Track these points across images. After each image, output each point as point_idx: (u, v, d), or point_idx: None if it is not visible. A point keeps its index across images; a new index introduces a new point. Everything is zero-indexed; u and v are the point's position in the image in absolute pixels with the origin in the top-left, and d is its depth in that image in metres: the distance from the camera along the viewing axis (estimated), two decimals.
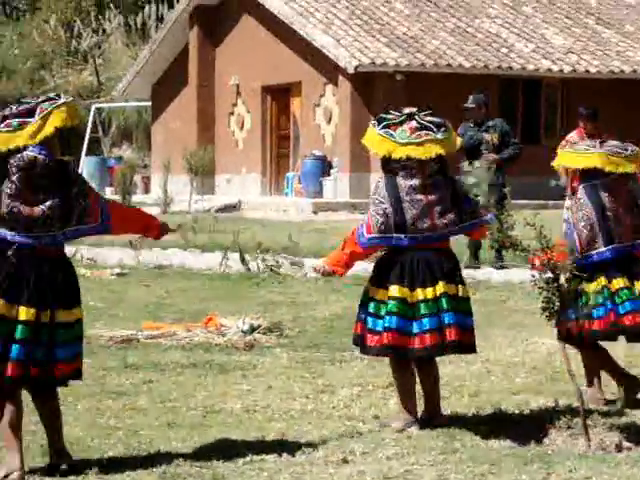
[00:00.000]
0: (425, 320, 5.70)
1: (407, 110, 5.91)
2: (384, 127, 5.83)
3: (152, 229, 5.44)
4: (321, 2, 23.19)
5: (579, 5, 24.78)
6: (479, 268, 12.07)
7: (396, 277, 5.75)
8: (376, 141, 5.84)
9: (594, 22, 24.14)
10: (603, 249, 6.20)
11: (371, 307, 5.81)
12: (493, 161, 12.26)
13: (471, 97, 12.72)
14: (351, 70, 21.17)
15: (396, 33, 22.53)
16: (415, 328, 5.71)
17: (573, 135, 12.27)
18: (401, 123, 5.82)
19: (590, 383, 6.51)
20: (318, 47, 21.95)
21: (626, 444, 5.47)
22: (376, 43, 21.99)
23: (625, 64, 22.43)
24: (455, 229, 5.85)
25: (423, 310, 5.72)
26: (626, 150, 6.25)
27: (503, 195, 11.78)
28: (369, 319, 5.81)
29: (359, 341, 5.91)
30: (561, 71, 22.06)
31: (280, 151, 24.61)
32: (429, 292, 5.73)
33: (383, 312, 5.75)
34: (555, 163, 6.45)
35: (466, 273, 11.27)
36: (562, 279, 5.65)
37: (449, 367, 7.21)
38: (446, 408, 6.29)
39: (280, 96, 24.38)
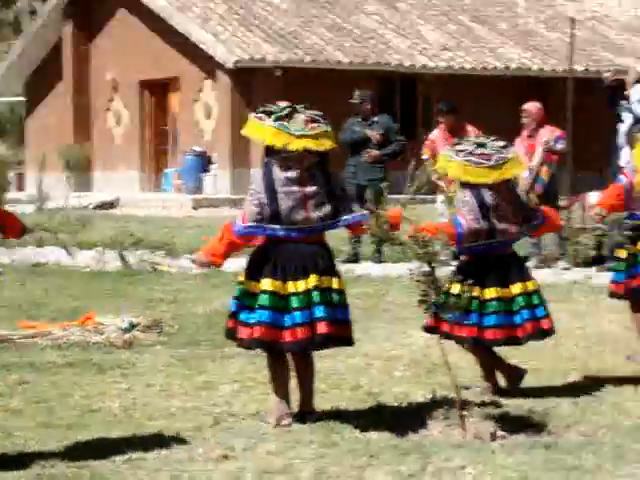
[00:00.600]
0: (296, 314, 5.71)
1: (284, 104, 5.91)
2: (276, 119, 5.79)
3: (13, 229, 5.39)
4: None
5: (454, 2, 25.18)
6: (382, 262, 12.16)
7: (269, 270, 5.75)
8: (270, 133, 5.78)
9: (468, 19, 24.57)
10: (486, 243, 6.35)
11: (243, 300, 5.80)
12: (374, 156, 12.37)
13: (357, 92, 12.82)
14: (230, 65, 21.11)
15: (274, 28, 22.54)
16: (287, 322, 5.72)
17: (435, 133, 12.48)
18: (288, 115, 5.82)
19: (486, 378, 6.63)
20: (196, 42, 21.82)
21: (500, 433, 5.59)
22: (254, 38, 21.97)
23: (498, 60, 22.88)
24: (329, 223, 5.87)
25: (294, 303, 5.72)
26: (489, 160, 6.39)
27: (380, 190, 11.86)
28: (241, 312, 5.80)
29: (231, 334, 5.90)
30: (436, 67, 22.38)
31: (159, 147, 24.38)
32: (300, 285, 5.73)
33: (255, 305, 5.75)
34: (439, 168, 6.62)
35: (346, 268, 11.46)
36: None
37: (328, 361, 7.25)
38: (326, 402, 6.33)
39: (158, 91, 24.15)
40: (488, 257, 6.43)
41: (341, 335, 5.82)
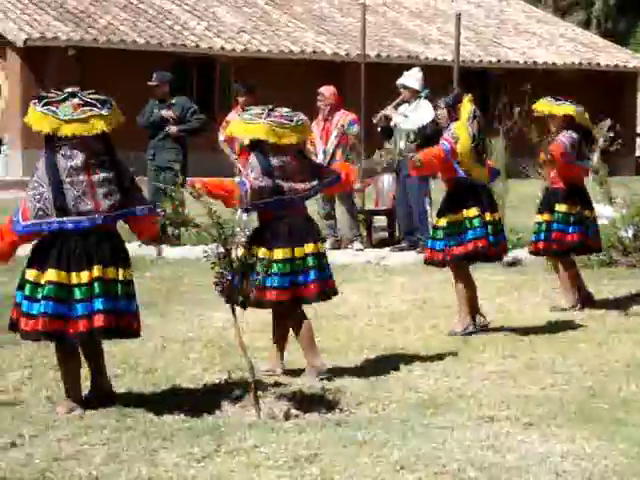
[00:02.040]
0: (78, 305, 5.61)
1: (69, 89, 5.78)
2: (45, 104, 5.66)
3: None
4: None
5: None
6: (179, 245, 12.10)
7: (54, 260, 5.62)
8: (37, 118, 5.66)
9: (264, 2, 24.67)
10: (272, 200, 6.39)
11: (27, 290, 5.65)
12: (173, 133, 12.28)
13: (155, 74, 12.69)
14: (20, 44, 20.50)
15: (66, 7, 22.01)
16: (70, 313, 5.60)
17: (232, 114, 12.51)
18: (63, 100, 5.68)
19: (276, 345, 6.68)
20: None
21: (294, 412, 5.67)
22: (46, 16, 21.39)
23: (294, 45, 23.09)
24: (118, 213, 5.71)
25: (77, 295, 5.62)
26: (291, 121, 6.48)
27: (176, 172, 11.84)
28: (24, 302, 5.65)
29: (14, 326, 5.74)
30: (233, 50, 22.39)
31: None
32: (84, 276, 5.63)
33: (39, 296, 5.61)
34: (227, 132, 6.65)
35: (144, 252, 11.33)
36: (234, 253, 5.76)
37: (124, 344, 7.16)
38: (121, 386, 6.26)
39: None
40: (278, 217, 6.46)
41: (124, 327, 5.73)
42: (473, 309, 7.94)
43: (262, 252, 6.36)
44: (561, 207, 8.72)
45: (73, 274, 5.62)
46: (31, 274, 5.67)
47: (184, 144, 12.49)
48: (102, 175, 5.68)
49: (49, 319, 5.58)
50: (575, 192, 8.78)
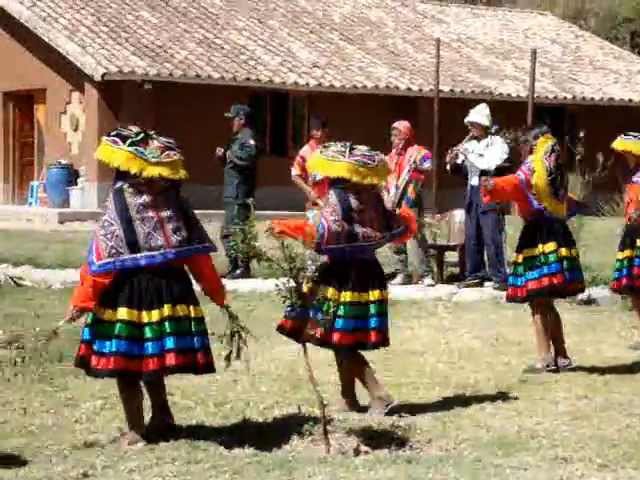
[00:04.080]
0: (149, 344, 5.63)
1: (136, 129, 5.82)
2: (131, 144, 5.71)
3: None
4: (65, 8, 22.70)
5: (323, 21, 25.42)
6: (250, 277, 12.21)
7: (124, 299, 5.65)
8: (125, 158, 5.70)
9: (338, 38, 24.82)
10: (347, 245, 6.38)
11: (97, 328, 5.67)
12: (219, 157, 12.44)
13: (232, 107, 12.88)
14: (98, 78, 20.84)
15: (143, 42, 22.36)
16: (141, 351, 5.62)
17: (306, 149, 12.57)
18: (142, 141, 5.74)
19: (343, 388, 6.65)
20: (63, 54, 21.48)
21: (364, 448, 5.63)
22: (123, 51, 21.74)
23: (367, 79, 23.17)
24: (185, 249, 5.73)
25: (148, 334, 5.64)
26: (373, 161, 6.48)
27: (246, 205, 11.94)
28: (95, 340, 5.67)
29: (83, 363, 5.76)
30: (307, 85, 22.53)
31: (24, 159, 23.88)
32: (154, 315, 5.65)
33: (110, 334, 5.63)
34: (308, 168, 6.67)
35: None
36: (305, 287, 5.77)
37: (195, 377, 7.18)
38: (191, 418, 6.29)
39: (23, 103, 23.67)
40: (348, 261, 6.46)
41: (197, 363, 5.74)
42: (556, 345, 7.82)
43: (330, 293, 6.34)
44: None
45: (144, 312, 5.65)
46: (102, 312, 5.69)
47: (249, 176, 12.56)
48: (169, 212, 5.73)
49: (121, 357, 5.61)
50: None
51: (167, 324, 5.64)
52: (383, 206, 6.68)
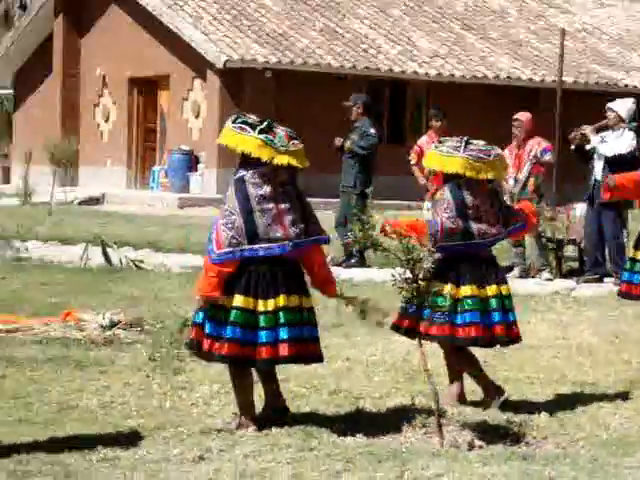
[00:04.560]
0: (263, 333, 5.66)
1: (256, 117, 5.85)
2: (261, 132, 5.71)
3: None
4: None
5: (445, 10, 25.22)
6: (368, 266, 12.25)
7: (241, 286, 5.68)
8: (256, 145, 5.70)
9: (459, 27, 24.60)
10: (461, 242, 6.34)
11: (212, 312, 5.71)
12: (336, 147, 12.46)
13: (352, 96, 12.92)
14: (220, 65, 21.09)
15: (265, 30, 22.53)
16: (255, 339, 5.66)
17: (424, 139, 12.50)
18: (269, 128, 5.75)
19: (452, 381, 6.61)
20: (187, 41, 21.79)
21: (478, 442, 5.58)
22: (245, 39, 21.95)
23: (488, 70, 22.92)
24: (303, 241, 5.75)
25: (262, 322, 5.67)
26: (489, 156, 6.40)
27: (364, 194, 12.01)
28: (208, 324, 5.71)
29: (195, 345, 5.81)
30: (427, 74, 22.40)
31: (147, 144, 24.34)
32: (270, 304, 5.68)
33: (225, 320, 5.68)
34: (424, 164, 6.62)
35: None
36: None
37: (310, 365, 7.23)
38: (305, 405, 6.32)
39: (147, 89, 24.11)
40: (464, 257, 6.39)
41: (308, 353, 5.78)
42: None
43: (447, 289, 6.28)
44: None
45: (260, 301, 5.69)
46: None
47: (367, 166, 12.54)
48: (288, 204, 5.75)
49: (235, 344, 5.65)
50: None
51: (281, 314, 5.68)
52: (500, 201, 6.59)
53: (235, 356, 5.69)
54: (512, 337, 6.50)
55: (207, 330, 5.72)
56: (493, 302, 6.38)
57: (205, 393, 6.62)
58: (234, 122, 5.81)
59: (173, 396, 6.54)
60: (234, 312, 5.67)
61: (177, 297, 10.33)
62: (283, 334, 5.67)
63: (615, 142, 11.26)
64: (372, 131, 12.55)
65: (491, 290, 6.38)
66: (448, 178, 6.44)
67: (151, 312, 9.37)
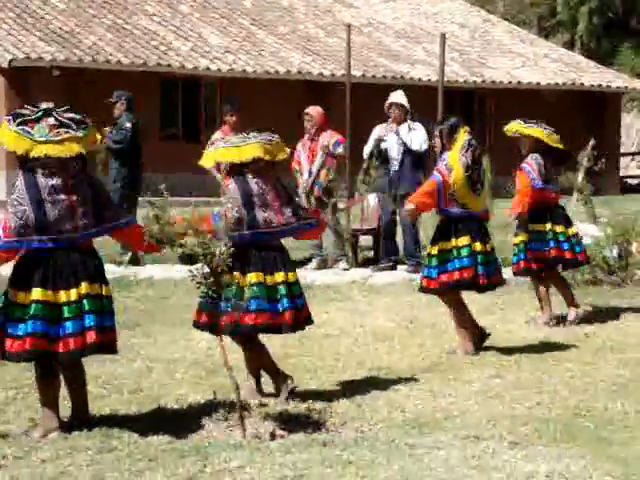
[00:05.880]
0: (68, 323, 5.57)
1: (44, 105, 5.74)
2: (20, 124, 5.60)
3: None
4: None
5: (234, 6, 25.30)
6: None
7: (38, 279, 5.57)
8: (12, 138, 5.59)
9: (249, 23, 24.72)
10: (246, 232, 6.37)
11: (10, 311, 5.58)
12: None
13: (115, 92, 12.79)
14: (5, 65, 20.48)
15: (51, 28, 22.01)
16: (59, 332, 5.57)
17: (217, 135, 12.50)
18: (38, 120, 5.64)
19: (252, 374, 6.64)
20: None
21: (279, 432, 5.65)
22: (31, 37, 21.38)
23: (280, 65, 23.13)
24: (94, 231, 5.71)
25: (67, 313, 5.58)
26: (272, 139, 6.50)
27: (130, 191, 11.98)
28: (8, 324, 5.57)
29: None
30: (219, 70, 22.41)
31: None
32: (73, 294, 5.60)
33: (25, 316, 5.56)
34: (220, 159, 6.61)
35: (128, 271, 11.30)
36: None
37: (110, 365, 7.14)
38: (105, 406, 6.23)
39: None
40: (252, 245, 6.41)
41: (109, 342, 5.72)
42: (474, 331, 7.94)
43: (235, 276, 6.27)
44: (534, 227, 8.92)
45: (61, 292, 5.59)
46: (14, 294, 5.61)
47: (126, 162, 12.44)
48: (81, 194, 5.65)
49: (37, 339, 5.53)
50: (546, 210, 8.95)
51: (85, 302, 5.59)
52: (284, 188, 6.61)
53: (39, 351, 5.53)
54: (302, 321, 6.54)
55: (8, 330, 5.57)
56: (281, 289, 6.42)
57: (0, 400, 6.43)
58: (11, 116, 5.67)
59: None
60: (34, 306, 5.54)
61: None
62: (89, 321, 5.58)
63: (410, 135, 11.60)
64: (127, 125, 12.49)
65: (279, 276, 6.43)
66: (234, 170, 6.47)
67: None
